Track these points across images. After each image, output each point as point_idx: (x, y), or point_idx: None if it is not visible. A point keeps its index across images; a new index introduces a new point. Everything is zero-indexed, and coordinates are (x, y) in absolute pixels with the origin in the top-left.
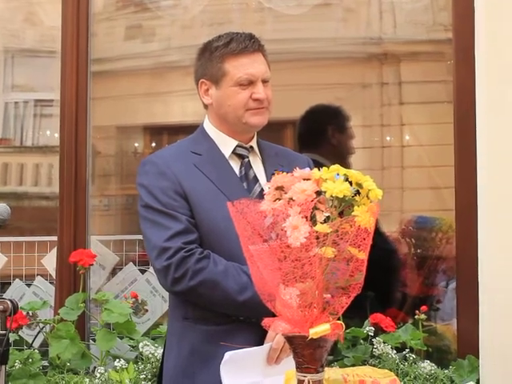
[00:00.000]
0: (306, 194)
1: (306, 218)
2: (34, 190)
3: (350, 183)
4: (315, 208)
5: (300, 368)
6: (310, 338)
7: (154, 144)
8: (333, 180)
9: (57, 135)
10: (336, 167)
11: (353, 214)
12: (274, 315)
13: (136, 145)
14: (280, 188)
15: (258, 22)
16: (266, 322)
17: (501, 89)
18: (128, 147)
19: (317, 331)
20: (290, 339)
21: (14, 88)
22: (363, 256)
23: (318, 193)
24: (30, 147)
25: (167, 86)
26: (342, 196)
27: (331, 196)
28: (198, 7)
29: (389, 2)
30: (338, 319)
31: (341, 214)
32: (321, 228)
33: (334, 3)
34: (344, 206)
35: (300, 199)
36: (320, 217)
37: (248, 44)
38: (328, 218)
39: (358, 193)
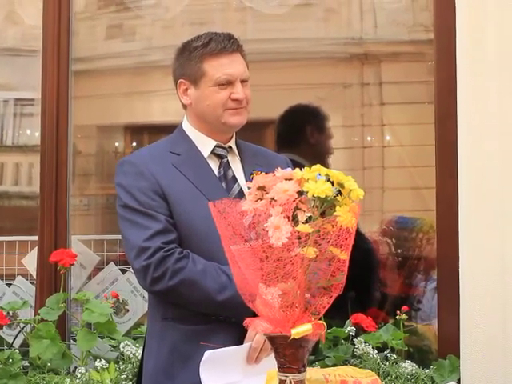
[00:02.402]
0: (288, 194)
1: (288, 218)
2: (14, 190)
3: (332, 183)
4: (297, 208)
5: (282, 368)
6: (291, 338)
7: (134, 143)
8: (314, 180)
9: (37, 134)
10: (317, 167)
11: (334, 214)
12: (254, 315)
13: (116, 144)
14: (262, 188)
15: (238, 21)
16: (247, 321)
17: (483, 89)
18: (109, 147)
19: (298, 331)
20: (271, 339)
21: None
22: (345, 256)
23: (300, 193)
24: (10, 146)
25: (148, 85)
26: (323, 196)
27: (313, 196)
28: (178, 7)
29: (370, 2)
30: (320, 319)
31: (322, 214)
32: (302, 228)
33: (315, 3)
34: (326, 206)
35: (282, 199)
36: (302, 217)
37: (227, 44)
38: (310, 218)
39: (339, 193)
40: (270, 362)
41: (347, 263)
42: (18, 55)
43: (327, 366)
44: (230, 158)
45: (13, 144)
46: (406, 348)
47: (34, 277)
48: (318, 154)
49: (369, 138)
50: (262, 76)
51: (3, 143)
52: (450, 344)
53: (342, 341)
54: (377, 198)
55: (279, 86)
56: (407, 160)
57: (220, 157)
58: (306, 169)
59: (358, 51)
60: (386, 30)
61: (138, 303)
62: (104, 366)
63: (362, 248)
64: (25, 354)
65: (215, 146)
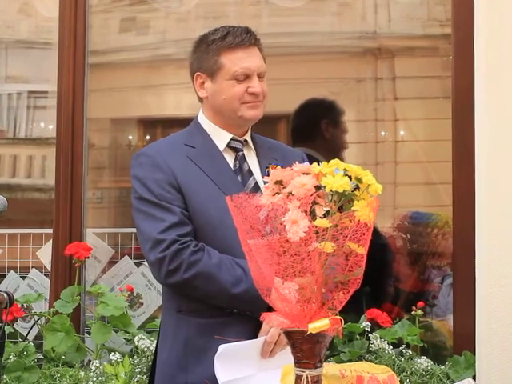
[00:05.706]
0: (306, 188)
1: (306, 212)
2: (27, 182)
3: (350, 178)
4: (315, 202)
5: (298, 363)
6: (308, 333)
7: (148, 137)
8: (332, 174)
9: (51, 127)
10: (336, 161)
11: (352, 208)
12: (268, 308)
13: (130, 137)
14: (279, 182)
15: (253, 15)
16: (263, 315)
17: (500, 83)
18: (122, 140)
19: (316, 326)
20: (288, 334)
21: (7, 79)
22: (362, 251)
23: (318, 187)
24: (24, 139)
25: (162, 78)
26: (341, 191)
27: (331, 190)
28: (193, 0)
29: None
30: (336, 314)
31: (340, 209)
32: (320, 223)
33: None
34: (344, 201)
35: (299, 193)
36: (319, 211)
37: (244, 38)
38: (327, 212)
39: (357, 187)
40: (285, 356)
41: (365, 258)
42: (31, 47)
43: (342, 361)
44: (245, 151)
45: (26, 136)
46: (422, 344)
47: (49, 269)
48: (332, 149)
49: (382, 133)
50: (276, 70)
51: (16, 136)
52: (465, 340)
53: (357, 336)
54: (389, 193)
55: (292, 80)
56: (421, 155)
57: (235, 150)
58: (324, 163)
59: (372, 45)
60: (400, 25)
61: (153, 297)
62: (118, 360)
63: (376, 243)
64: (39, 346)
65: (231, 140)
